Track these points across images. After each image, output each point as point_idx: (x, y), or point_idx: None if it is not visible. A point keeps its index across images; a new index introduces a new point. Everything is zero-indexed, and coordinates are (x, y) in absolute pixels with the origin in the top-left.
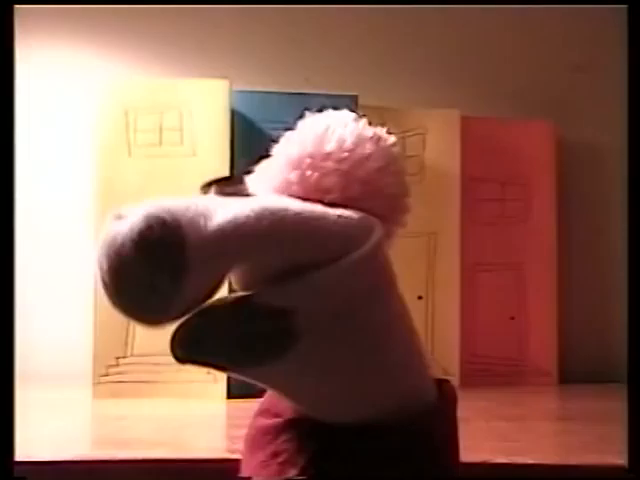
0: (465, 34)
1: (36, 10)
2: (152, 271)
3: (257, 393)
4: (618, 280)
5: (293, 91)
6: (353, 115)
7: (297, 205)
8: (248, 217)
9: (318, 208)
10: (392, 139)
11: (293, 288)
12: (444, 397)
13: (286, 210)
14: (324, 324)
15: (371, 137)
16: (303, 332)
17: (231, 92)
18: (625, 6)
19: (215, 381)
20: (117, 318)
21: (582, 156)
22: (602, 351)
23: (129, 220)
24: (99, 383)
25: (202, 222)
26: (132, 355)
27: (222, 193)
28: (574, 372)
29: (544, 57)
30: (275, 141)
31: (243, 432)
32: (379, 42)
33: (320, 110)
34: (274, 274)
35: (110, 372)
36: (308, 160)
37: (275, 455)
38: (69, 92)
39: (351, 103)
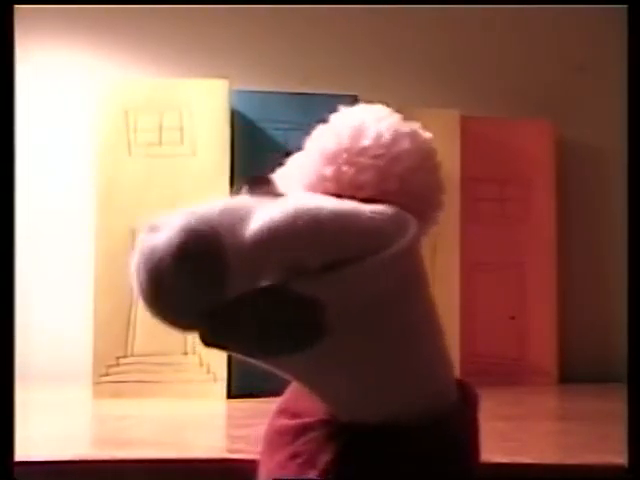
0: (465, 34)
1: (36, 10)
2: (193, 283)
3: (257, 393)
4: (618, 280)
5: (293, 91)
6: (388, 110)
7: (330, 203)
8: (283, 220)
9: (351, 205)
10: (427, 135)
11: (325, 281)
12: (466, 399)
13: (320, 209)
14: (353, 320)
15: (407, 133)
16: (331, 326)
17: (231, 92)
18: (625, 6)
19: (215, 381)
20: (117, 318)
21: (582, 156)
22: (602, 351)
23: (166, 234)
24: (99, 383)
25: (239, 229)
26: (132, 355)
27: (254, 193)
28: (574, 372)
29: (543, 57)
30: (275, 142)
31: (243, 432)
32: (379, 42)
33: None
34: (312, 270)
35: (110, 372)
36: (344, 155)
37: (294, 456)
38: (69, 92)
39: (351, 103)
